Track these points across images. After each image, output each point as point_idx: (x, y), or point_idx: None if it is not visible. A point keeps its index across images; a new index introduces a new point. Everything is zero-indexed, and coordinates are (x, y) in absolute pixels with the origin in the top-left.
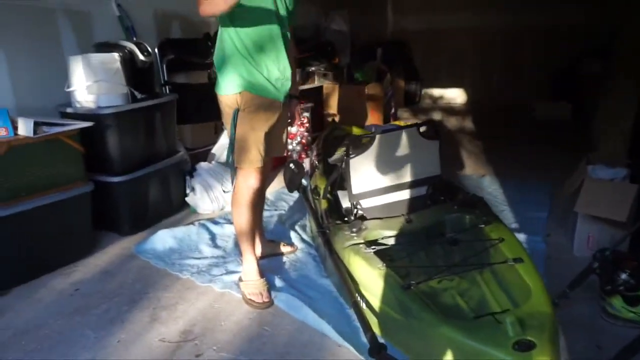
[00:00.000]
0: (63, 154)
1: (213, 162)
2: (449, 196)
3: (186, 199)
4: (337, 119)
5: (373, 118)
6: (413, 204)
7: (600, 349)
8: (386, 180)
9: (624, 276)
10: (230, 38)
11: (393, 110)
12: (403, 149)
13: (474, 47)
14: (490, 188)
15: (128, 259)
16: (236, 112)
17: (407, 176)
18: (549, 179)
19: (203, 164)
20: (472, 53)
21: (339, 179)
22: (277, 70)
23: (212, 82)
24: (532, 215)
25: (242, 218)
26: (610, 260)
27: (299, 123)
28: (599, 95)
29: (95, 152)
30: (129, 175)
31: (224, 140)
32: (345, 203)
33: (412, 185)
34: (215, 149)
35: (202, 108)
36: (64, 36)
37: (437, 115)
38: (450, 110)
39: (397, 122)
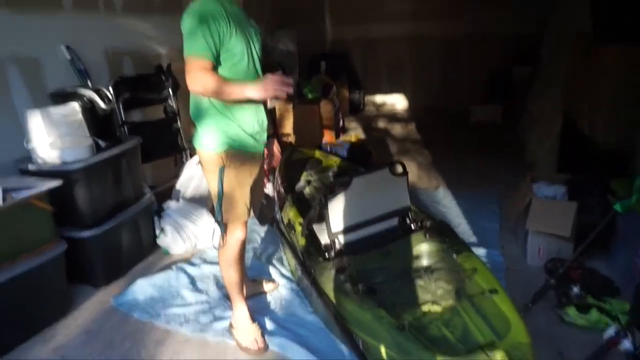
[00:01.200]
0: (33, 217)
1: (180, 200)
2: (418, 223)
3: (157, 241)
4: (291, 139)
5: (326, 135)
6: (387, 235)
7: (562, 355)
8: (362, 216)
9: (575, 290)
10: None
11: (341, 123)
12: (376, 187)
13: (411, 55)
14: (445, 200)
15: (109, 313)
16: (222, 170)
17: (380, 210)
18: (493, 187)
19: (171, 204)
20: (410, 61)
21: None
22: (256, 124)
23: (169, 117)
24: (486, 226)
25: (231, 271)
26: (563, 277)
27: (278, 161)
28: (526, 99)
29: (63, 207)
30: (99, 227)
31: (186, 174)
32: (323, 238)
33: (384, 217)
34: (179, 185)
35: (161, 144)
36: (14, 87)
37: (381, 123)
38: (393, 116)
39: (347, 138)
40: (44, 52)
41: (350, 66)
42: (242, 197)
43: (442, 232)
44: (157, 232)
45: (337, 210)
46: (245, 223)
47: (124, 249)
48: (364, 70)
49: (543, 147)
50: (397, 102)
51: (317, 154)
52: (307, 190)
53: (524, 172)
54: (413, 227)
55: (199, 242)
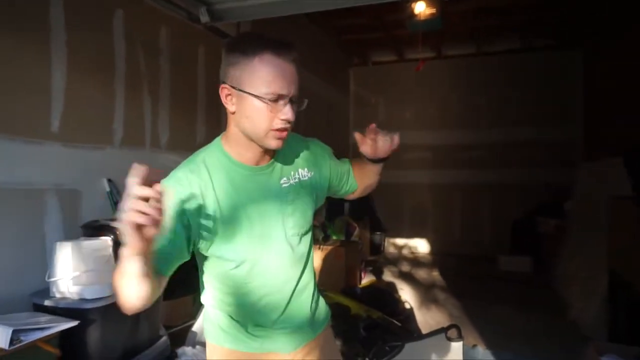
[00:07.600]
0: None
1: (197, 346)
2: None
3: None
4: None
5: (350, 278)
6: None
7: None
8: None
9: None
10: None
11: (363, 265)
12: (428, 354)
13: (434, 201)
14: None
15: None
16: None
17: None
18: (539, 349)
19: (187, 350)
20: (433, 206)
21: None
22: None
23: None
24: None
25: None
26: None
27: None
28: (557, 253)
29: (70, 350)
30: None
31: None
32: None
33: None
34: (197, 327)
35: (185, 280)
36: (49, 217)
37: (404, 266)
38: (415, 260)
39: (371, 281)
40: (85, 183)
41: (373, 208)
42: None
43: None
44: None
45: None
46: None
47: None
48: (386, 212)
49: (589, 309)
50: (419, 245)
51: (344, 299)
52: None
53: (569, 334)
54: None
55: None
